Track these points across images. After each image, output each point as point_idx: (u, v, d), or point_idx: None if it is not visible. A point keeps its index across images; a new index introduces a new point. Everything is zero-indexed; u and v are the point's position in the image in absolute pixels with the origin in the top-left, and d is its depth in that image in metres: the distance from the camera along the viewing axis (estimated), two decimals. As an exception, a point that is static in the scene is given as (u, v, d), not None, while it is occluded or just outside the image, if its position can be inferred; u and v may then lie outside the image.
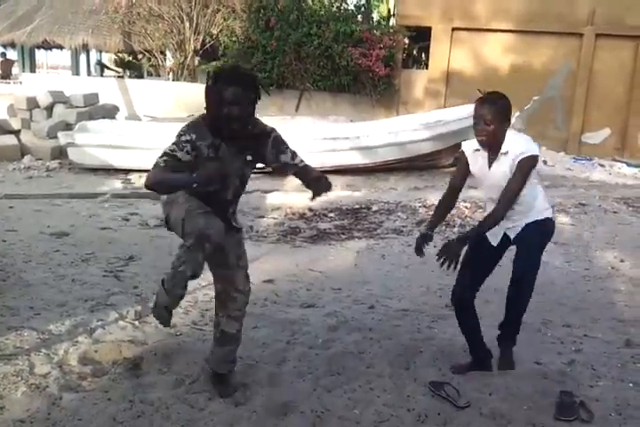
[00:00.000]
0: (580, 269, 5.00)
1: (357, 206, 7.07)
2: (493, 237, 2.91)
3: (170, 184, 2.41)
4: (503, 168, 2.76)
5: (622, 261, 5.25)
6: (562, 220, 6.69)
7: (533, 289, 2.93)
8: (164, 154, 2.41)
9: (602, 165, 10.96)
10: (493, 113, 2.66)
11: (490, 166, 2.81)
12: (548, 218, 2.94)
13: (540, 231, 2.92)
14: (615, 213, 7.06)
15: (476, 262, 2.94)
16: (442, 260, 2.66)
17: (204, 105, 2.46)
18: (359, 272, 4.79)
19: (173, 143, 2.42)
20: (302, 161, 2.68)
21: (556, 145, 12.03)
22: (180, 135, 2.44)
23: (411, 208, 6.92)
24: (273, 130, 2.61)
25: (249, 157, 2.57)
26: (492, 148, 2.77)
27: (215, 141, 2.46)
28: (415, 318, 3.82)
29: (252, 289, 4.15)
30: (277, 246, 5.48)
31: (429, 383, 2.88)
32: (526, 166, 2.72)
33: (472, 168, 2.90)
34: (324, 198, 7.42)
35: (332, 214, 6.69)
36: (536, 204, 2.88)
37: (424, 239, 2.93)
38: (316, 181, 2.63)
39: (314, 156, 8.90)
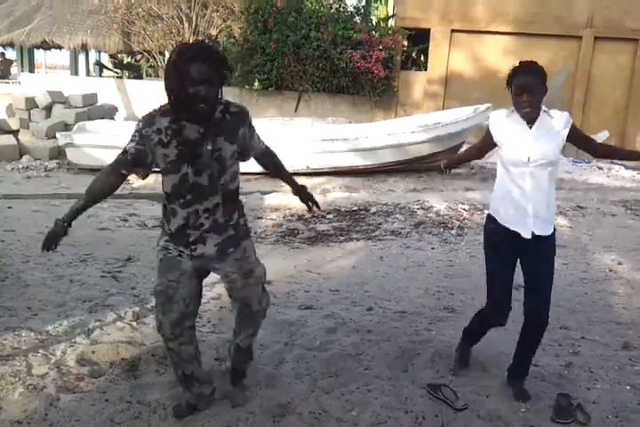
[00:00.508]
0: (577, 272, 5.00)
1: (356, 208, 7.07)
2: (524, 227, 2.72)
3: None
4: (548, 129, 2.66)
5: (620, 263, 5.26)
6: (560, 222, 6.69)
7: None
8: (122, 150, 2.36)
9: (600, 168, 10.97)
10: (540, 82, 2.60)
11: (530, 127, 2.67)
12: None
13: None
14: (613, 215, 7.07)
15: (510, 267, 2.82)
16: None
17: (167, 87, 2.27)
18: (357, 274, 4.79)
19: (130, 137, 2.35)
20: (266, 145, 2.62)
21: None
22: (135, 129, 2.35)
23: (409, 210, 6.92)
24: (249, 111, 2.45)
25: (222, 140, 2.34)
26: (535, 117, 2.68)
27: (178, 123, 2.28)
28: (413, 320, 3.82)
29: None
30: (276, 248, 5.48)
31: (427, 385, 2.88)
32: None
33: (502, 135, 2.73)
34: (324, 199, 7.46)
35: (330, 216, 6.69)
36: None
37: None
38: (278, 164, 2.65)
39: (313, 157, 8.99)
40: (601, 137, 12.11)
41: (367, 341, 3.43)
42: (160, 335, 2.55)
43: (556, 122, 2.68)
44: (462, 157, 3.52)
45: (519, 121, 2.68)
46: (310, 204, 2.79)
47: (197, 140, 2.29)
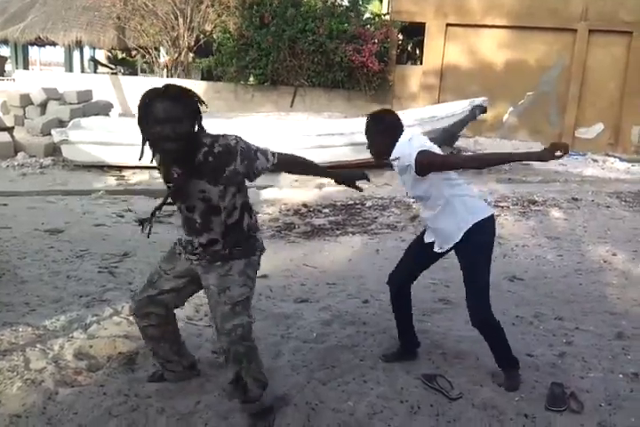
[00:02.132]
0: (572, 263, 5.04)
1: (351, 202, 7.09)
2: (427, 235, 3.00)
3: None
4: (402, 173, 2.89)
5: (614, 254, 5.30)
6: (555, 214, 6.73)
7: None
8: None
9: (595, 160, 11.02)
10: (374, 135, 2.87)
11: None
12: None
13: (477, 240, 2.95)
14: (608, 207, 7.10)
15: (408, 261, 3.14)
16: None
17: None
18: (353, 267, 4.81)
19: None
20: (274, 155, 2.41)
21: (550, 140, 11.98)
22: None
23: (404, 204, 6.94)
24: (237, 141, 2.28)
25: (204, 182, 2.27)
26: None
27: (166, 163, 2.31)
28: (408, 312, 3.84)
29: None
30: (272, 242, 5.49)
31: (422, 375, 2.91)
32: (424, 158, 2.77)
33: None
34: (319, 194, 7.47)
35: (326, 210, 6.71)
36: None
37: None
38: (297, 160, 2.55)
39: (309, 152, 8.95)
40: (596, 129, 12.15)
41: (363, 333, 3.46)
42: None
43: (400, 163, 2.81)
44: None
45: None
46: (358, 184, 2.80)
47: (179, 180, 2.28)
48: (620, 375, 3.06)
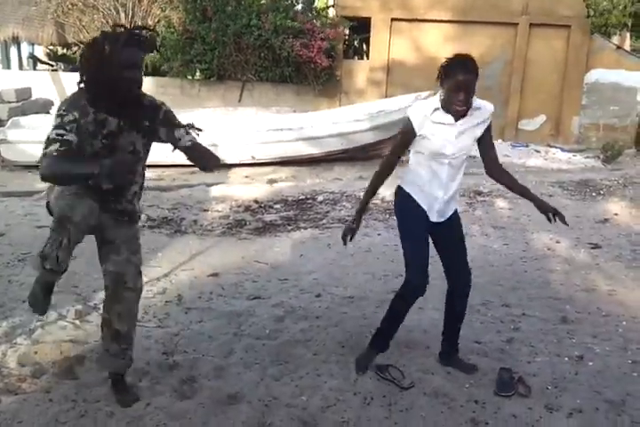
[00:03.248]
0: (517, 251, 5.17)
1: (303, 197, 7.09)
2: (433, 213, 2.80)
3: (71, 176, 2.20)
4: (470, 125, 2.68)
5: (558, 242, 5.47)
6: (500, 205, 6.90)
7: None
8: (53, 140, 2.18)
9: (537, 151, 11.33)
10: (476, 80, 2.57)
11: (457, 120, 2.65)
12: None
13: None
14: (551, 196, 7.31)
15: (427, 242, 2.82)
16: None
17: (90, 75, 2.22)
18: (305, 262, 4.81)
19: (58, 126, 2.19)
20: (193, 138, 2.45)
21: (494, 132, 12.19)
22: (61, 116, 2.20)
23: (356, 198, 6.98)
24: (163, 103, 2.44)
25: (134, 133, 2.35)
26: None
27: (99, 116, 2.25)
28: (361, 304, 3.87)
29: (197, 283, 4.19)
30: (223, 239, 5.44)
31: (374, 366, 2.93)
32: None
33: (426, 131, 2.66)
34: (270, 189, 7.43)
35: (277, 206, 6.68)
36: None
37: (353, 231, 2.89)
38: (205, 154, 2.41)
39: (258, 147, 8.94)
40: (538, 121, 12.49)
41: (316, 327, 3.47)
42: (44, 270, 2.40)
43: (480, 114, 2.70)
44: (378, 183, 2.89)
45: (444, 116, 2.65)
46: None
47: (117, 132, 2.30)
48: (566, 359, 3.17)
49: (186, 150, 2.42)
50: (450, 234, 2.87)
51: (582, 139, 12.24)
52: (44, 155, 2.17)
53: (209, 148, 2.45)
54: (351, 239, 2.89)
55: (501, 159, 9.73)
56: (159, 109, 2.41)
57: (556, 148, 11.65)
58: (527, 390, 2.80)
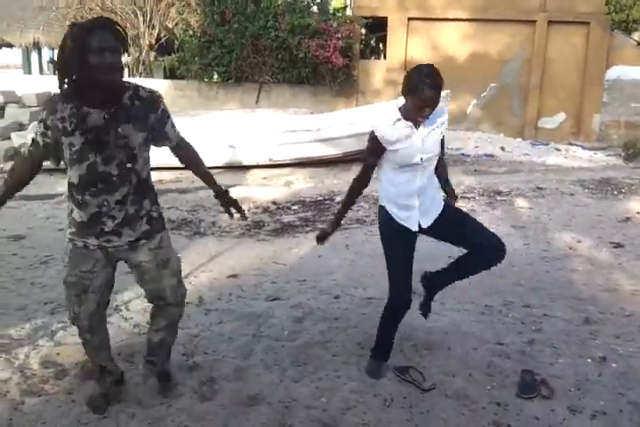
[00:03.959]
0: (538, 251, 5.11)
1: (320, 198, 7.08)
2: (413, 222, 2.78)
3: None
4: (430, 129, 2.69)
5: (579, 241, 5.39)
6: (520, 204, 6.83)
7: None
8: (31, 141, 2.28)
9: (558, 150, 11.20)
10: (440, 94, 2.61)
11: (417, 128, 2.66)
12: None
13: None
14: (572, 195, 7.23)
15: (410, 257, 2.82)
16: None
17: (65, 68, 2.15)
18: (323, 263, 4.80)
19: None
20: (181, 136, 2.46)
21: (514, 131, 12.26)
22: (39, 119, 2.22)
23: (373, 198, 6.94)
24: (162, 97, 2.35)
25: (129, 127, 2.22)
26: None
27: (81, 110, 2.17)
28: (380, 305, 3.80)
29: (217, 285, 4.21)
30: (241, 241, 5.46)
31: (394, 368, 2.92)
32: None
33: (391, 139, 2.66)
34: (288, 191, 7.44)
35: (295, 207, 6.69)
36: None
37: (327, 235, 2.97)
38: (193, 155, 2.49)
39: (275, 149, 8.95)
40: (558, 119, 12.35)
41: (335, 328, 3.46)
42: (76, 327, 2.53)
43: (438, 114, 2.70)
44: (356, 194, 2.96)
45: (404, 125, 2.66)
46: (233, 210, 2.68)
47: (103, 126, 2.18)
48: (589, 360, 3.12)
49: (177, 146, 2.44)
50: (451, 222, 2.84)
51: (603, 136, 12.08)
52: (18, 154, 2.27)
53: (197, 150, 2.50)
54: (323, 243, 3.02)
55: (521, 158, 9.69)
56: (158, 104, 2.30)
57: (577, 146, 11.51)
58: (550, 392, 2.77)
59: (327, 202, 6.92)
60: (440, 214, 2.83)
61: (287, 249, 5.18)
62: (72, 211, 2.36)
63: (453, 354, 3.09)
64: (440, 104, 2.65)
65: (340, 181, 8.24)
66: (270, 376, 2.90)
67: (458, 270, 2.98)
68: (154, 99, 2.30)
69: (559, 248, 5.22)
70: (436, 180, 2.87)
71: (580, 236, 5.52)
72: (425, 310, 3.15)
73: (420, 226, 2.78)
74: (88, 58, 2.06)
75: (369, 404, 2.67)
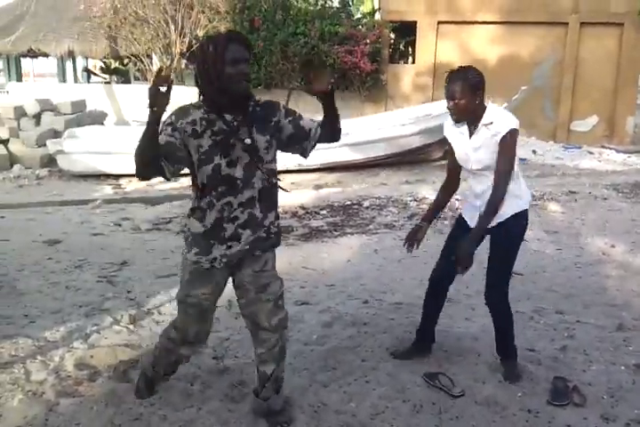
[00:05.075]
0: (571, 256, 5.03)
1: (349, 203, 7.09)
2: (472, 219, 2.86)
3: (139, 146, 2.15)
4: (484, 139, 2.70)
5: (613, 246, 5.29)
6: (552, 208, 6.73)
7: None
8: None
9: (591, 153, 11.01)
10: (461, 87, 2.63)
11: (470, 137, 2.75)
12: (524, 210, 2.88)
13: (518, 225, 2.89)
14: (605, 199, 7.10)
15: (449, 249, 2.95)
16: (460, 268, 2.72)
17: (203, 78, 2.28)
18: (352, 268, 4.81)
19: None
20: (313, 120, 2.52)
21: (545, 134, 12.09)
22: (163, 123, 2.27)
23: (402, 203, 6.94)
24: (279, 102, 2.50)
25: (255, 131, 2.33)
26: (470, 121, 2.74)
27: (211, 115, 2.28)
28: (409, 310, 3.84)
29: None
30: (270, 245, 5.49)
31: (424, 374, 2.90)
32: (511, 142, 2.67)
33: (454, 146, 2.88)
34: (316, 195, 7.46)
35: (323, 212, 6.71)
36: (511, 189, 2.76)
37: (416, 233, 3.08)
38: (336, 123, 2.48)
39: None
40: (591, 122, 12.14)
41: (364, 333, 3.46)
42: (180, 342, 2.58)
43: (494, 128, 2.67)
44: (443, 195, 3.12)
45: (462, 130, 2.80)
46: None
47: (231, 130, 2.29)
48: (622, 367, 3.06)
49: (320, 129, 2.47)
50: (493, 245, 2.91)
51: (637, 139, 11.83)
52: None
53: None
54: (414, 249, 3.18)
55: (553, 162, 9.55)
56: (277, 106, 2.44)
57: (611, 149, 11.30)
58: (582, 400, 2.72)
59: (355, 207, 6.92)
60: (498, 229, 2.81)
61: (316, 254, 5.19)
62: (192, 226, 2.39)
63: (484, 360, 3.06)
64: (501, 120, 2.67)
65: (368, 185, 8.25)
66: (299, 380, 2.91)
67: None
68: (273, 103, 2.45)
69: (592, 253, 5.13)
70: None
71: (613, 241, 5.42)
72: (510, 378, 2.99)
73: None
74: (225, 68, 2.21)
75: (398, 410, 2.66)
